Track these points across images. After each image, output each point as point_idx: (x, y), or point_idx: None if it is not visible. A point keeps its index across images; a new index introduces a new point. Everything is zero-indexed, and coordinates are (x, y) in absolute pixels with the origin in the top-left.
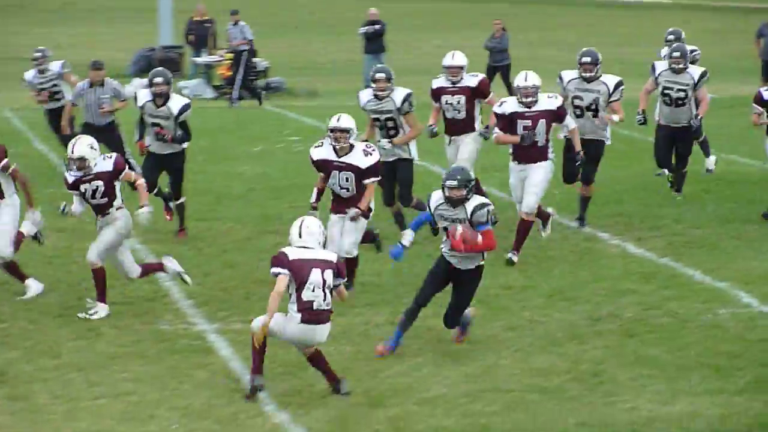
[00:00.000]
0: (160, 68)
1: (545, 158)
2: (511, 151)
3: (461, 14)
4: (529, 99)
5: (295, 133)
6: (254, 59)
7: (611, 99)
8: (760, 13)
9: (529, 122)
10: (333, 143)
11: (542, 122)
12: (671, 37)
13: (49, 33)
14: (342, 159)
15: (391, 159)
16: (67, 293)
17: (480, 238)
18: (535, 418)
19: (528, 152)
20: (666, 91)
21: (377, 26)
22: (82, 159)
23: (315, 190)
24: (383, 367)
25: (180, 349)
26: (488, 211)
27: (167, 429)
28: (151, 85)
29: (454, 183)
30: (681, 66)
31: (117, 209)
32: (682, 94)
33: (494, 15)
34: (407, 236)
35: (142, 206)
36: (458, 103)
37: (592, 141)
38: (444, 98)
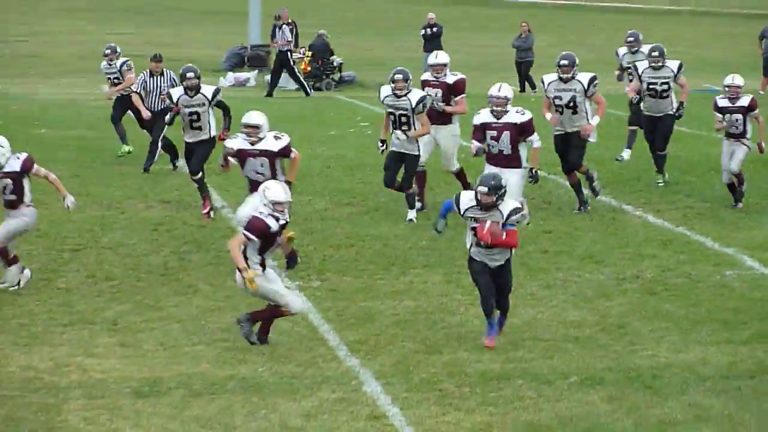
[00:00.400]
0: (190, 65)
1: (519, 165)
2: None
3: (504, 18)
4: (500, 109)
5: (365, 119)
6: (331, 57)
7: (588, 94)
8: (762, 18)
9: (495, 133)
10: (246, 138)
11: (506, 134)
12: (631, 39)
13: (153, 33)
14: (255, 147)
15: (402, 151)
16: (169, 256)
17: (504, 235)
18: (569, 363)
19: (499, 160)
20: (651, 87)
21: (435, 28)
22: None
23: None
24: (438, 320)
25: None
26: (522, 215)
27: (255, 371)
28: (183, 79)
29: (485, 189)
30: (660, 63)
31: (26, 206)
32: (665, 86)
33: (530, 18)
34: (440, 225)
35: (64, 197)
36: (436, 95)
37: (573, 133)
38: (426, 89)
